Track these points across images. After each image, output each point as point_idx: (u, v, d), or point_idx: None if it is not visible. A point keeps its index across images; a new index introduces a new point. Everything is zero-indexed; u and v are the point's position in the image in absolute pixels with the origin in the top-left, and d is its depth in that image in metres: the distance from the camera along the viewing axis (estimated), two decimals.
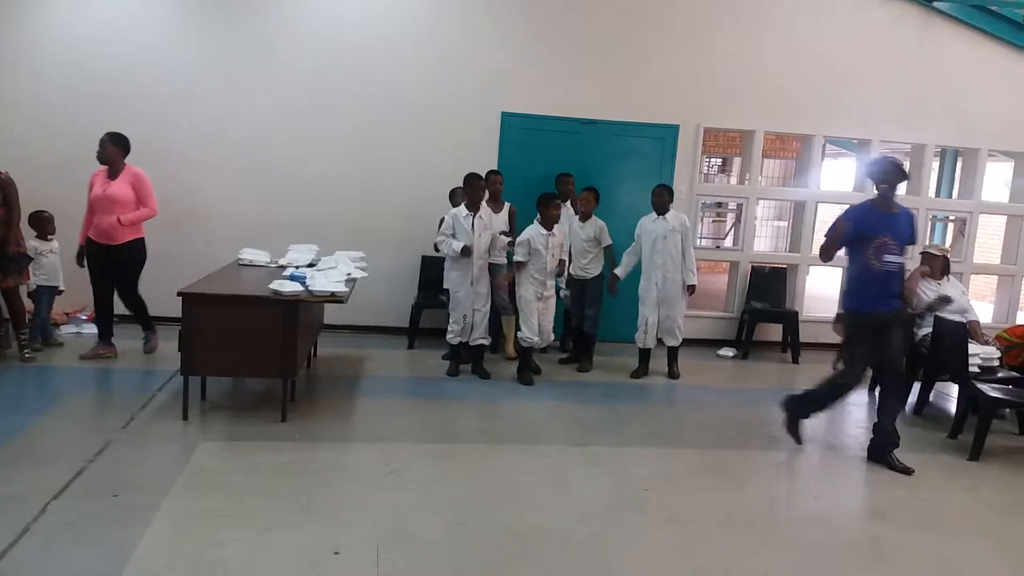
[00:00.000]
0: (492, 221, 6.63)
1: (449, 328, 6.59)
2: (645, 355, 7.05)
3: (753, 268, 8.71)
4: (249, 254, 6.34)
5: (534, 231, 6.35)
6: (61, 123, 7.32)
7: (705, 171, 18.19)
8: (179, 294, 4.96)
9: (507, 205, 7.13)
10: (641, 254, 6.93)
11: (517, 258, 6.39)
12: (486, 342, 6.68)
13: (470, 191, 6.45)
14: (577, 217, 7.04)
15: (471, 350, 6.65)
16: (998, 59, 8.63)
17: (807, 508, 4.44)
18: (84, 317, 7.31)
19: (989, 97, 8.64)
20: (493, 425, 5.48)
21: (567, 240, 6.71)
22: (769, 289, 8.55)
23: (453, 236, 6.40)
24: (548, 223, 6.37)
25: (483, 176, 6.59)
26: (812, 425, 5.53)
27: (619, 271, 6.99)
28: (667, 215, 6.87)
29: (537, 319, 6.42)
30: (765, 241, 14.39)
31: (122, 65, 7.38)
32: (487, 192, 6.65)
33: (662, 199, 6.87)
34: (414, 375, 6.75)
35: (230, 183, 7.62)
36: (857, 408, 6.65)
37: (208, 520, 3.72)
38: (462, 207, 6.50)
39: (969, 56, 8.58)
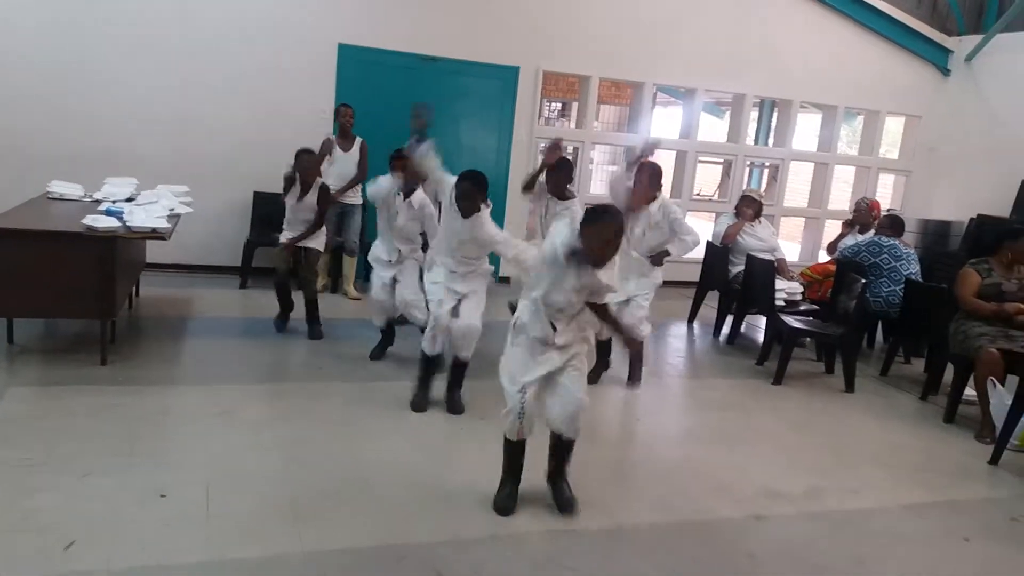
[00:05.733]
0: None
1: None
2: None
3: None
4: (59, 187, 5.85)
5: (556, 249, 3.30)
6: None
7: (547, 115, 18.50)
8: None
9: (358, 140, 7.05)
10: None
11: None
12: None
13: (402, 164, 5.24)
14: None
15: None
16: (810, 15, 9.25)
17: (629, 429, 4.75)
18: None
19: (802, 51, 9.27)
20: (329, 364, 5.42)
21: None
22: None
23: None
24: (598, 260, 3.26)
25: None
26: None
27: None
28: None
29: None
30: (600, 184, 14.91)
31: None
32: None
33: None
34: (246, 315, 6.53)
35: (38, 111, 6.93)
36: (676, 339, 7.13)
37: (19, 468, 3.50)
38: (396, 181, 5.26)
39: (783, 10, 9.14)
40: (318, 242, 6.21)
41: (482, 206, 4.55)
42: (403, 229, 5.31)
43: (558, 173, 5.45)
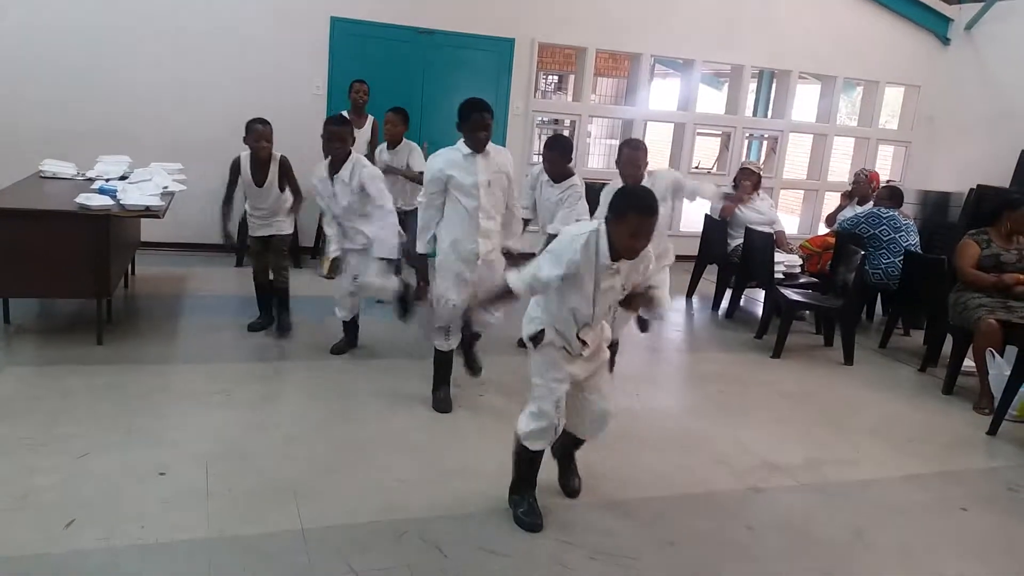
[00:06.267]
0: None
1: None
2: None
3: (586, 185, 8.92)
4: (52, 166, 5.79)
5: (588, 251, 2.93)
6: None
7: (543, 88, 18.37)
8: None
9: (370, 118, 6.89)
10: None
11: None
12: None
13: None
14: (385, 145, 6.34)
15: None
16: None
17: (626, 405, 4.74)
18: None
19: (800, 21, 9.17)
20: (327, 342, 5.39)
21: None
22: (599, 205, 8.83)
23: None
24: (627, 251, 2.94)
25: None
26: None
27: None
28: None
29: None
30: (598, 159, 14.81)
31: None
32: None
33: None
34: (242, 293, 6.48)
35: (29, 90, 6.84)
36: (674, 313, 7.12)
37: (18, 448, 3.49)
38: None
39: None
40: (284, 225, 5.40)
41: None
42: (350, 209, 4.77)
43: (554, 153, 5.00)
